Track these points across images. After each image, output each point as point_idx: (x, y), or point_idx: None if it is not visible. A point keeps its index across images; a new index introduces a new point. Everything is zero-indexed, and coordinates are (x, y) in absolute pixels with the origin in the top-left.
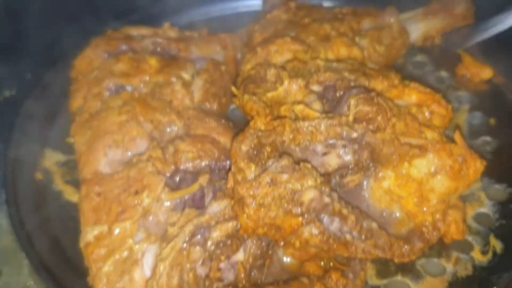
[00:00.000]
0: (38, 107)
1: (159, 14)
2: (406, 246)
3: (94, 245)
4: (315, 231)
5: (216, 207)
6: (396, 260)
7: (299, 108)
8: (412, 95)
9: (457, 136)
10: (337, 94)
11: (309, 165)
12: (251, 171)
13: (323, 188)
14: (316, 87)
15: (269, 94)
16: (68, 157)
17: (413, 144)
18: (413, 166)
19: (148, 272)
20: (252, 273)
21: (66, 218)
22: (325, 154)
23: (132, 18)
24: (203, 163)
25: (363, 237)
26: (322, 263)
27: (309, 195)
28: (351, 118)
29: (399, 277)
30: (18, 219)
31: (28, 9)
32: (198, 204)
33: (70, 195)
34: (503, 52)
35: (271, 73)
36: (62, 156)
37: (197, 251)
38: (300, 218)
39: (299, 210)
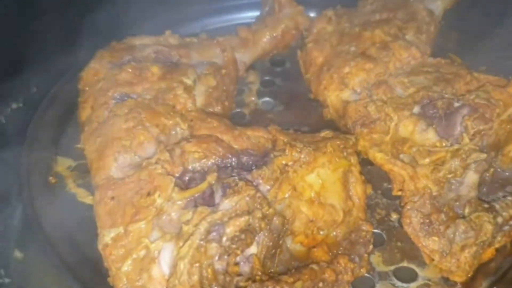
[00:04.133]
0: (48, 116)
1: (161, 26)
2: None
3: (112, 246)
4: None
5: (228, 204)
6: None
7: (423, 148)
8: None
9: None
10: (437, 110)
11: (480, 214)
12: (440, 245)
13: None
14: (416, 109)
15: (387, 138)
16: (79, 162)
17: None
18: None
19: (165, 269)
20: (265, 263)
21: (80, 218)
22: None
23: (135, 31)
24: (210, 162)
25: None
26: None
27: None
28: (471, 142)
29: (405, 264)
30: (35, 219)
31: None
32: (208, 201)
33: (83, 197)
34: None
35: (373, 110)
36: (72, 162)
37: (213, 247)
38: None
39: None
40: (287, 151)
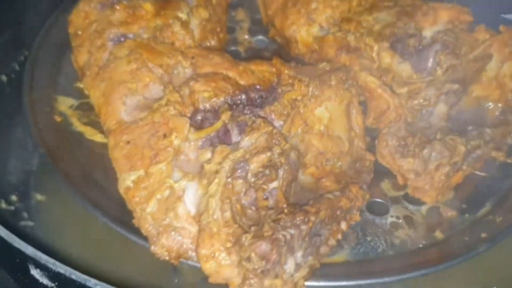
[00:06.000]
0: (41, 57)
1: None
2: None
3: (134, 189)
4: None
5: (248, 141)
6: None
7: (400, 78)
8: (443, 16)
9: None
10: (407, 47)
11: (454, 137)
12: (415, 165)
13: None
14: (385, 44)
15: (375, 65)
16: (80, 101)
17: (478, 55)
18: (488, 70)
19: (191, 207)
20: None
21: (93, 155)
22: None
23: None
24: (220, 100)
25: None
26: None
27: (462, 151)
28: (444, 75)
29: None
30: (51, 158)
31: None
32: (224, 140)
33: (91, 135)
34: None
35: (352, 40)
36: (74, 101)
37: (240, 183)
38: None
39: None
40: (295, 85)
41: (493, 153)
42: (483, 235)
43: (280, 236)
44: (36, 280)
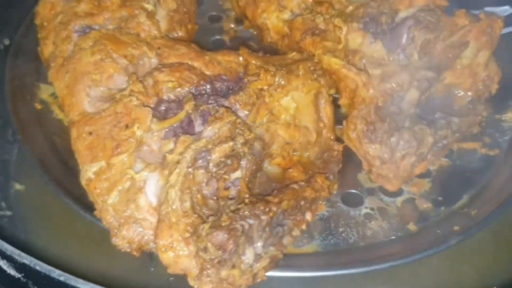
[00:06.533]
0: (25, 46)
1: None
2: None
3: (95, 180)
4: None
5: (211, 131)
6: None
7: (371, 59)
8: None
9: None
10: (380, 26)
11: (423, 127)
12: (382, 152)
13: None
14: (355, 24)
15: (340, 46)
16: None
17: (455, 41)
18: (463, 58)
19: (152, 198)
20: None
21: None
22: (405, 96)
23: None
24: (184, 90)
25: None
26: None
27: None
28: (420, 59)
29: None
30: (29, 145)
31: None
32: (187, 130)
33: None
34: None
35: (320, 21)
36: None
37: (201, 173)
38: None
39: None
40: (261, 75)
41: (473, 145)
42: (456, 228)
43: (238, 226)
44: (4, 271)
